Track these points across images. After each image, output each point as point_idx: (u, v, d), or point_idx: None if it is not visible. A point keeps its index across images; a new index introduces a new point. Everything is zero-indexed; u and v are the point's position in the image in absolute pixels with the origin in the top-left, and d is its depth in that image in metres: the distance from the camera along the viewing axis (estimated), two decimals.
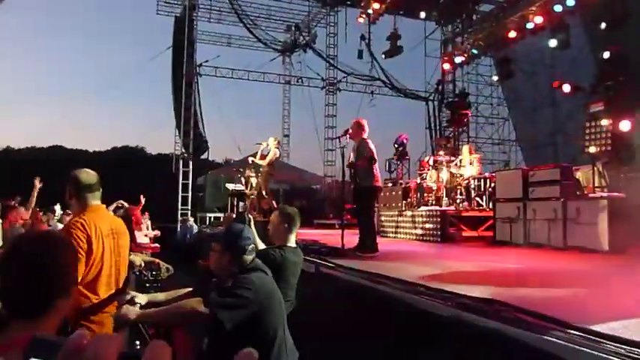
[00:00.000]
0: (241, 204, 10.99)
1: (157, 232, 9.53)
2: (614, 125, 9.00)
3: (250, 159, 11.31)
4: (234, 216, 9.90)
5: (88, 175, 2.90)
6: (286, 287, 3.28)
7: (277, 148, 10.36)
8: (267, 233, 3.95)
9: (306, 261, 5.71)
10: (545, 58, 18.18)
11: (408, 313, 3.46)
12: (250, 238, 2.83)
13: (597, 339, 2.19)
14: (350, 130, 6.79)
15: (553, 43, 12.90)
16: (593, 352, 2.08)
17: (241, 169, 12.84)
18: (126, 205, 7.24)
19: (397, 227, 10.87)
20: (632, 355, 1.97)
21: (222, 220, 6.20)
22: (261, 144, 10.45)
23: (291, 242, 3.69)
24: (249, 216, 4.16)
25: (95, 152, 48.71)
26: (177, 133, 19.50)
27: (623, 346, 2.07)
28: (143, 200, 8.27)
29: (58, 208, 8.85)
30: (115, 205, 7.10)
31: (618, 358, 1.98)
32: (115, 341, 0.45)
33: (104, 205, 3.07)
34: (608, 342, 2.14)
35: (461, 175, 10.74)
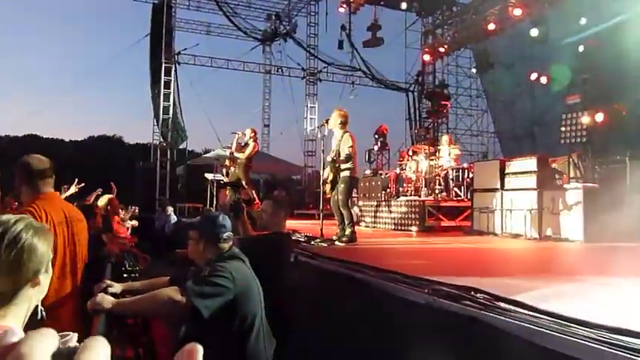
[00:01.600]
0: (232, 194, 10.80)
1: (135, 223, 9.42)
2: (590, 117, 9.16)
3: (228, 151, 11.16)
4: (226, 201, 9.80)
5: (40, 161, 2.74)
6: (282, 268, 3.40)
7: (255, 140, 10.16)
8: (257, 222, 4.04)
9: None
10: (524, 51, 18.37)
11: (385, 301, 3.50)
12: (226, 226, 2.83)
13: (567, 323, 2.25)
14: (330, 120, 6.79)
15: (534, 32, 13.01)
16: (564, 336, 2.13)
17: (220, 159, 12.76)
18: (110, 195, 7.12)
19: (376, 217, 10.94)
20: (601, 338, 2.03)
21: (220, 206, 6.14)
22: (237, 133, 10.24)
23: (285, 228, 3.80)
24: (243, 205, 4.23)
25: (72, 141, 47.81)
26: (155, 123, 19.30)
27: (592, 330, 2.13)
28: (114, 188, 7.97)
29: None
30: (94, 194, 7.00)
31: (588, 341, 2.04)
32: (46, 337, 0.43)
33: (57, 193, 3.00)
34: (577, 326, 2.20)
35: (440, 166, 10.84)
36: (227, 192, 11.04)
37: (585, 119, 9.04)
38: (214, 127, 23.16)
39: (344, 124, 6.75)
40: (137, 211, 9.79)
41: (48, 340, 0.43)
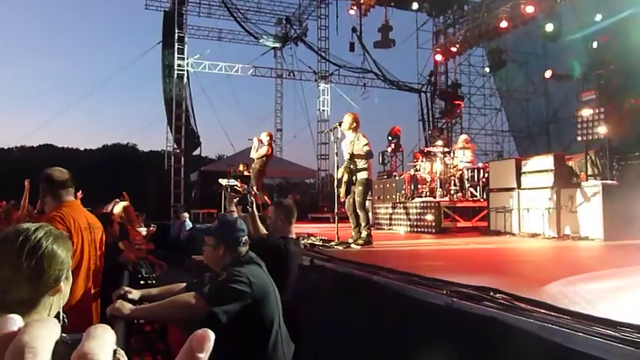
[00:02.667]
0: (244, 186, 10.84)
1: (153, 228, 9.46)
2: (606, 113, 9.05)
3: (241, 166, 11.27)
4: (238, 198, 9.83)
5: (61, 173, 2.99)
6: (291, 276, 3.36)
7: (270, 144, 10.16)
8: (266, 228, 4.02)
9: (302, 254, 5.73)
10: (536, 48, 18.25)
11: (403, 303, 3.48)
12: (244, 230, 2.84)
13: (591, 323, 2.21)
14: (342, 123, 6.80)
15: (550, 27, 12.88)
16: (588, 335, 2.10)
17: (234, 165, 12.82)
18: (125, 203, 7.18)
19: (391, 219, 10.90)
20: (626, 337, 2.00)
21: (236, 204, 6.18)
22: (252, 139, 10.24)
23: (292, 233, 3.77)
24: (251, 199, 4.24)
25: (86, 150, 48.47)
26: (168, 130, 19.44)
27: (617, 329, 2.09)
28: (127, 198, 7.99)
29: None
30: (112, 203, 7.06)
31: (612, 340, 2.01)
32: (48, 325, 0.43)
33: (78, 201, 3.13)
34: (601, 325, 2.16)
35: (454, 166, 10.78)
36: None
37: (600, 114, 8.90)
38: (227, 133, 23.31)
39: (356, 126, 6.77)
40: (154, 228, 9.83)
41: (50, 328, 0.42)
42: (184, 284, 2.91)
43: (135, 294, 2.66)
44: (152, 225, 9.89)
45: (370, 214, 8.49)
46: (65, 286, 1.36)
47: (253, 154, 10.21)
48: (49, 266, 1.29)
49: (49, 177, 2.95)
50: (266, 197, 9.87)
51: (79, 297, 2.70)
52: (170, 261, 7.05)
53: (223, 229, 2.80)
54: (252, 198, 4.23)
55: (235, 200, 4.43)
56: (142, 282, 3.49)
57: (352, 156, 6.57)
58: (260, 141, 10.12)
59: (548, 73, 13.19)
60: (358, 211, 6.60)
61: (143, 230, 9.22)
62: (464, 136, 12.03)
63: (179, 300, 2.52)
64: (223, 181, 13.00)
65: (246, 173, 11.38)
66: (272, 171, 14.32)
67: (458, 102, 18.03)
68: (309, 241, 6.98)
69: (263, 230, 4.04)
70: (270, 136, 10.27)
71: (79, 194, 6.47)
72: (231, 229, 2.79)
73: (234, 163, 13.34)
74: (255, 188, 10.18)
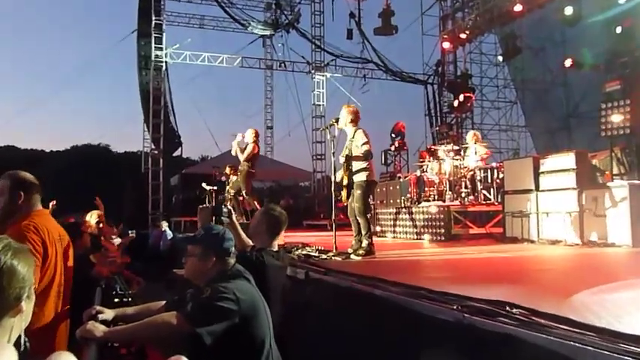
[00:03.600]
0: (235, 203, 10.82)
1: (132, 235, 9.39)
2: (632, 105, 9.07)
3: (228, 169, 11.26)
4: (209, 206, 9.76)
5: (31, 176, 2.85)
6: (268, 295, 3.28)
7: (255, 141, 10.15)
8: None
9: (294, 266, 5.71)
10: (554, 34, 18.30)
11: (409, 320, 3.47)
12: (233, 239, 2.85)
13: (618, 340, 2.21)
14: (339, 119, 6.79)
15: (569, 10, 12.91)
16: (614, 354, 2.10)
17: (219, 167, 12.82)
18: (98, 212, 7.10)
19: (396, 226, 10.91)
20: None
21: (198, 212, 6.06)
22: (236, 135, 10.23)
23: (273, 246, 3.71)
24: (229, 207, 4.14)
25: (53, 152, 48.30)
26: (145, 128, 19.43)
27: None
28: (100, 204, 7.76)
29: None
30: (90, 214, 6.97)
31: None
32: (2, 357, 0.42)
33: (47, 210, 3.07)
34: (630, 343, 2.16)
35: (465, 167, 10.79)
36: (228, 203, 11.07)
37: (628, 123, 8.87)
38: (211, 132, 23.28)
39: (355, 121, 6.76)
40: (133, 235, 9.77)
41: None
42: (164, 302, 2.89)
43: (108, 314, 2.64)
44: (130, 232, 9.85)
45: (371, 219, 8.48)
46: (27, 306, 1.33)
47: (235, 152, 10.18)
48: (8, 284, 1.27)
49: (21, 179, 2.80)
50: (256, 202, 9.84)
51: (49, 318, 2.67)
52: (148, 276, 7.02)
53: (212, 238, 2.80)
54: (228, 207, 4.15)
55: (201, 208, 4.33)
56: (116, 300, 3.47)
57: (348, 157, 6.57)
58: (243, 137, 10.12)
59: (568, 62, 13.22)
60: (358, 217, 6.60)
61: (117, 241, 9.17)
62: (472, 132, 12.05)
63: (158, 320, 2.51)
64: (207, 186, 13.05)
65: (233, 177, 11.33)
66: (262, 173, 14.28)
67: (468, 94, 18.07)
68: (304, 252, 6.96)
69: (248, 242, 3.98)
70: (256, 133, 10.25)
71: (53, 204, 6.44)
72: (221, 238, 2.79)
73: (219, 165, 13.33)
74: (244, 193, 10.16)
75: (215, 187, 12.62)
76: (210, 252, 2.74)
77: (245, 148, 10.09)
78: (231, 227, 3.89)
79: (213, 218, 3.92)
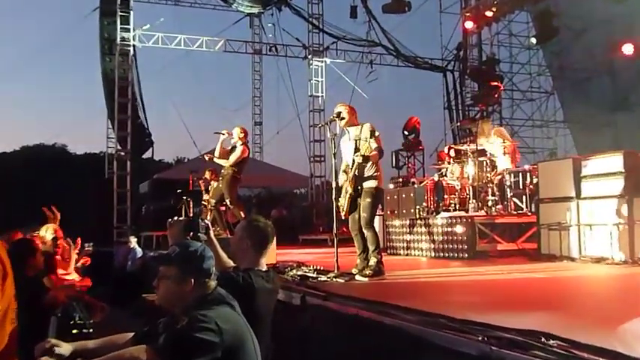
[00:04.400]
0: (217, 215, 10.76)
1: (88, 249, 9.39)
2: None
3: (206, 156, 11.10)
4: (182, 219, 9.67)
5: None
6: (256, 325, 3.27)
7: (244, 142, 10.08)
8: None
9: (288, 289, 5.72)
10: (598, 11, 18.32)
11: (425, 353, 3.47)
12: (213, 258, 2.85)
13: None
14: (343, 113, 6.80)
15: None
16: None
17: (197, 171, 12.83)
18: (54, 225, 7.08)
19: (409, 241, 10.90)
20: None
21: (168, 227, 6.02)
22: (221, 133, 10.14)
23: (261, 265, 3.69)
24: (206, 222, 4.10)
25: None
26: (109, 125, 19.42)
27: None
28: (57, 215, 7.74)
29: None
30: (45, 229, 6.95)
31: None
32: None
33: None
34: None
35: (493, 169, 10.80)
36: (208, 212, 11.07)
37: None
38: (188, 129, 23.22)
39: (355, 117, 6.85)
40: (91, 248, 9.74)
41: None
42: (132, 334, 2.89)
43: (65, 348, 2.64)
44: (87, 245, 9.81)
45: (379, 233, 8.48)
46: None
47: (217, 154, 10.08)
48: None
49: None
50: (242, 214, 9.82)
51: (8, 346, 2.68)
52: (113, 301, 7.02)
53: (189, 257, 2.79)
54: (206, 222, 4.12)
55: (172, 223, 4.26)
56: (74, 331, 3.46)
57: (365, 158, 6.53)
58: (229, 135, 10.00)
59: (628, 48, 12.97)
60: (365, 230, 6.60)
61: (73, 266, 9.15)
62: (497, 128, 12.04)
63: (126, 355, 2.51)
64: (184, 194, 13.05)
65: (214, 183, 11.32)
66: (249, 178, 14.27)
67: (496, 83, 18.11)
68: (300, 273, 6.97)
69: (229, 263, 3.96)
70: (245, 132, 10.18)
71: None
72: (200, 257, 2.79)
73: (197, 169, 13.34)
74: (227, 202, 10.11)
75: (193, 196, 12.61)
76: (187, 273, 2.74)
77: (231, 150, 10.01)
78: (208, 245, 3.89)
79: (190, 234, 3.88)
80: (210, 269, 2.80)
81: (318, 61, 22.29)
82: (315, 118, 22.30)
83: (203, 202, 11.69)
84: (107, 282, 10.89)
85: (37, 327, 3.20)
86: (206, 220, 4.14)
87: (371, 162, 6.59)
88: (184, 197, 12.66)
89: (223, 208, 10.70)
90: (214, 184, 11.40)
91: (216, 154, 10.18)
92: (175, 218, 9.93)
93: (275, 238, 3.88)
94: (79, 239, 9.14)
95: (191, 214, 11.97)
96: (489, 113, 20.19)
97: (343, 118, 6.77)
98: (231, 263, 3.90)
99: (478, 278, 7.22)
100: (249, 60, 26.26)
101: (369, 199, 6.59)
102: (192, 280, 2.73)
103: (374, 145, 6.55)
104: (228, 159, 9.94)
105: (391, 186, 13.11)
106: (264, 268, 3.70)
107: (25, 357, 2.65)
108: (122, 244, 15.38)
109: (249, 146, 10.33)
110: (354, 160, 6.58)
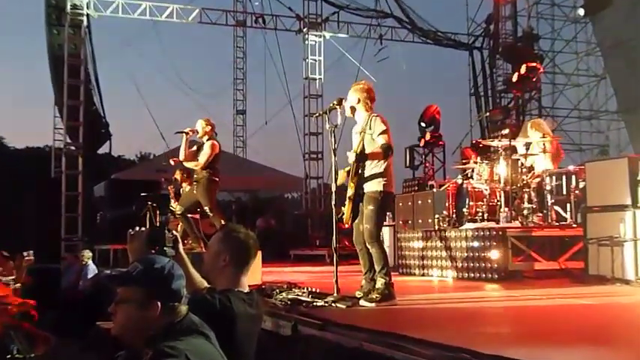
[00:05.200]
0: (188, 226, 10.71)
1: (28, 257, 9.40)
2: None
3: (172, 160, 10.99)
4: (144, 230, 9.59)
5: None
6: (236, 357, 3.26)
7: (211, 136, 9.96)
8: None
9: (276, 316, 5.72)
10: None
11: None
12: (183, 277, 2.84)
13: None
14: (347, 100, 6.80)
15: None
16: None
17: (166, 170, 12.82)
18: None
19: (426, 258, 10.90)
20: None
21: (128, 238, 6.00)
22: (183, 132, 9.98)
23: (243, 286, 3.68)
24: (174, 233, 4.02)
25: None
26: (57, 113, 19.40)
27: None
28: None
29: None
30: None
31: None
32: None
33: None
34: None
35: (530, 170, 10.81)
36: (179, 222, 11.05)
37: None
38: (155, 119, 23.15)
39: (369, 102, 6.80)
40: (31, 257, 9.76)
41: None
42: None
43: None
44: (26, 254, 9.81)
45: (389, 248, 8.49)
46: None
47: (182, 156, 9.96)
48: None
49: None
50: (222, 222, 9.79)
51: None
52: (60, 330, 7.02)
53: (155, 275, 2.77)
54: (174, 233, 4.05)
55: (133, 235, 4.15)
56: None
57: (362, 155, 6.55)
58: (194, 132, 9.88)
59: None
60: (369, 245, 6.59)
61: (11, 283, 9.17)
62: (535, 120, 12.03)
63: None
64: (149, 199, 13.04)
65: (186, 186, 11.31)
66: (229, 180, 14.26)
67: (534, 64, 18.13)
68: (291, 296, 6.97)
69: (202, 283, 3.93)
70: (210, 124, 10.05)
71: None
72: (168, 276, 2.78)
73: (166, 169, 13.33)
74: (207, 209, 10.01)
75: (158, 200, 12.59)
76: (152, 296, 2.72)
77: (198, 150, 9.91)
78: (177, 261, 3.86)
79: (154, 248, 3.83)
80: (181, 291, 2.78)
81: (315, 35, 22.28)
82: (312, 106, 22.28)
83: (171, 208, 11.66)
84: (53, 306, 10.86)
85: None
86: (174, 232, 4.08)
87: (377, 160, 6.57)
88: (149, 202, 12.64)
89: (197, 216, 10.69)
90: (186, 187, 11.39)
91: (181, 157, 10.09)
92: (137, 229, 9.84)
93: (259, 252, 3.87)
94: (17, 255, 9.18)
95: (157, 224, 11.97)
96: (526, 101, 20.22)
97: (342, 100, 6.76)
98: (205, 284, 3.87)
99: (511, 304, 7.23)
100: (231, 34, 26.26)
101: (372, 207, 6.55)
102: (159, 305, 2.71)
103: (381, 140, 6.53)
104: (196, 161, 9.85)
105: (404, 190, 13.10)
106: (246, 290, 3.69)
107: None
108: (72, 259, 15.36)
109: (217, 140, 10.18)
110: (356, 155, 6.57)
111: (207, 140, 9.82)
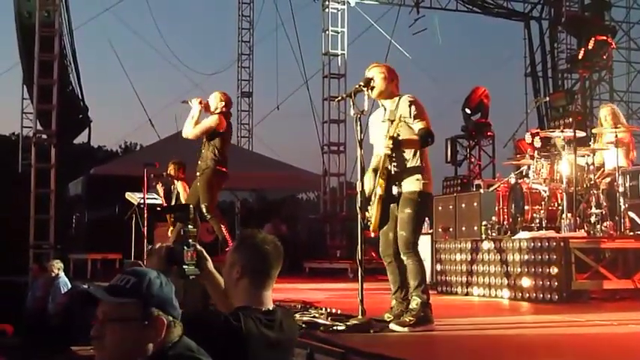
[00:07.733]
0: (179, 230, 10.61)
1: None
2: None
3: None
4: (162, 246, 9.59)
5: None
6: None
7: (223, 112, 9.86)
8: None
9: (290, 342, 5.72)
10: None
11: None
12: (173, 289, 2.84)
13: None
14: (374, 81, 6.78)
15: None
16: None
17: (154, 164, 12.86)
18: None
19: (470, 274, 10.88)
20: None
21: (146, 255, 5.89)
22: (187, 102, 9.94)
23: (262, 302, 3.61)
24: (198, 247, 3.87)
25: None
26: (26, 95, 19.53)
27: None
28: None
29: None
30: None
31: None
32: None
33: None
34: None
35: (599, 168, 10.77)
36: (170, 228, 11.08)
37: None
38: (142, 102, 23.22)
39: (394, 83, 6.82)
40: None
41: None
42: None
43: None
44: None
45: (426, 261, 8.46)
46: None
47: (189, 129, 9.86)
48: None
49: None
50: (223, 229, 9.78)
51: None
52: (26, 357, 7.07)
53: (154, 286, 2.76)
54: (198, 247, 3.85)
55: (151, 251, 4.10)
56: None
57: (395, 143, 6.50)
58: (206, 106, 9.81)
59: None
60: (404, 257, 6.57)
61: None
62: (609, 107, 11.96)
63: None
64: (134, 197, 13.07)
65: (178, 183, 11.34)
66: (232, 176, 14.27)
67: (604, 38, 18.03)
68: (306, 318, 6.97)
69: (232, 307, 3.79)
70: (227, 100, 10.02)
71: None
72: (167, 288, 2.76)
73: (154, 161, 13.37)
74: (203, 208, 9.92)
75: (151, 199, 12.60)
76: (154, 311, 2.68)
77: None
78: (206, 281, 3.84)
79: (172, 268, 3.72)
80: (177, 308, 2.77)
81: (338, 2, 22.26)
82: (333, 88, 22.26)
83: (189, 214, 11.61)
84: (17, 327, 10.94)
85: None
86: (198, 245, 3.85)
87: (413, 152, 6.54)
88: (138, 199, 12.64)
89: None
90: (179, 184, 11.42)
91: (187, 131, 10.07)
92: (159, 244, 9.74)
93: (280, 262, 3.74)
94: None
95: (144, 230, 11.98)
96: (594, 84, 20.13)
97: (374, 87, 6.73)
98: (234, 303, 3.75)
99: (574, 331, 7.20)
100: (235, 3, 26.30)
101: (409, 210, 6.52)
102: (164, 321, 2.69)
103: (418, 125, 6.49)
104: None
105: (444, 191, 13.08)
106: (269, 307, 3.59)
107: None
108: (41, 271, 15.42)
109: (230, 121, 10.11)
110: (388, 147, 6.51)
111: (216, 114, 9.84)
